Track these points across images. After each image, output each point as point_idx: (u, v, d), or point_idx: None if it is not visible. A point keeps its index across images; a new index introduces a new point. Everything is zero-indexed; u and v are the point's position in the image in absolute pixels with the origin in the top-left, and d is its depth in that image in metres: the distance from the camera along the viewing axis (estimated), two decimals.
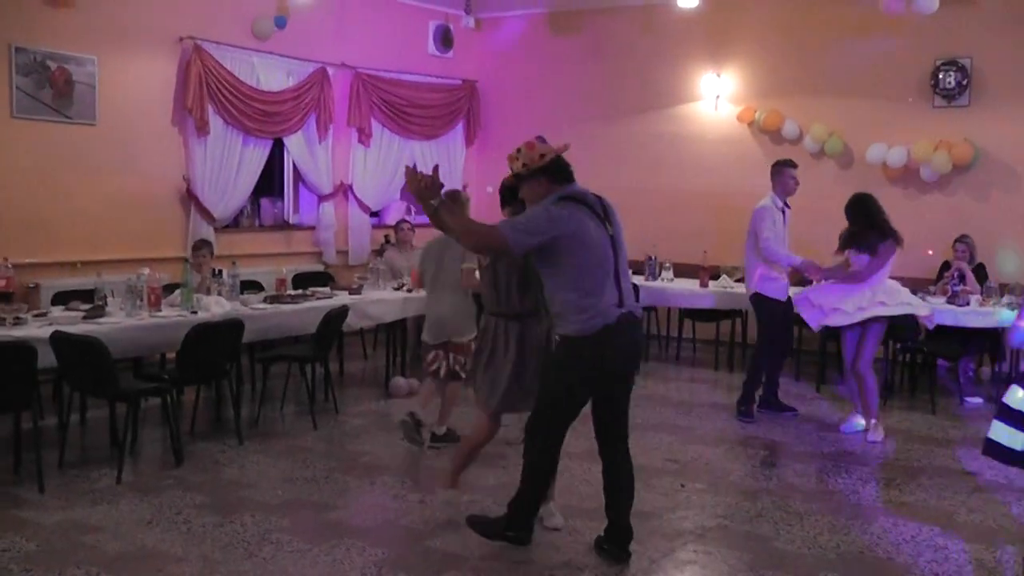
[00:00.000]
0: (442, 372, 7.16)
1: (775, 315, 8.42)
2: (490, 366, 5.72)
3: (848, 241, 8.04)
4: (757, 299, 8.45)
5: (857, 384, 8.04)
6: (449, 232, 5.16)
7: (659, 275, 10.93)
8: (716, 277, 10.61)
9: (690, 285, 10.62)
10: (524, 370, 5.62)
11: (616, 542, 5.33)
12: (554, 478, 5.69)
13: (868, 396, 7.96)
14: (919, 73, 10.78)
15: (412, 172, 4.96)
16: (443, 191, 5.02)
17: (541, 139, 5.41)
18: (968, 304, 8.99)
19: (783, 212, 8.38)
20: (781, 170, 8.38)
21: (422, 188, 4.91)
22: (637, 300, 5.43)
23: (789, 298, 8.45)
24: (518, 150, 5.15)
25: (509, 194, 5.54)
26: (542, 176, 5.10)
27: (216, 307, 7.64)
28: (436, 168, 5.03)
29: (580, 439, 7.52)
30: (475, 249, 5.38)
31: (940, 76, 10.65)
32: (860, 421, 8.12)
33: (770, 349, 8.49)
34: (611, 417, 5.32)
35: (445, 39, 12.86)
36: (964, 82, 10.56)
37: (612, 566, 5.19)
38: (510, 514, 5.35)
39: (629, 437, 5.42)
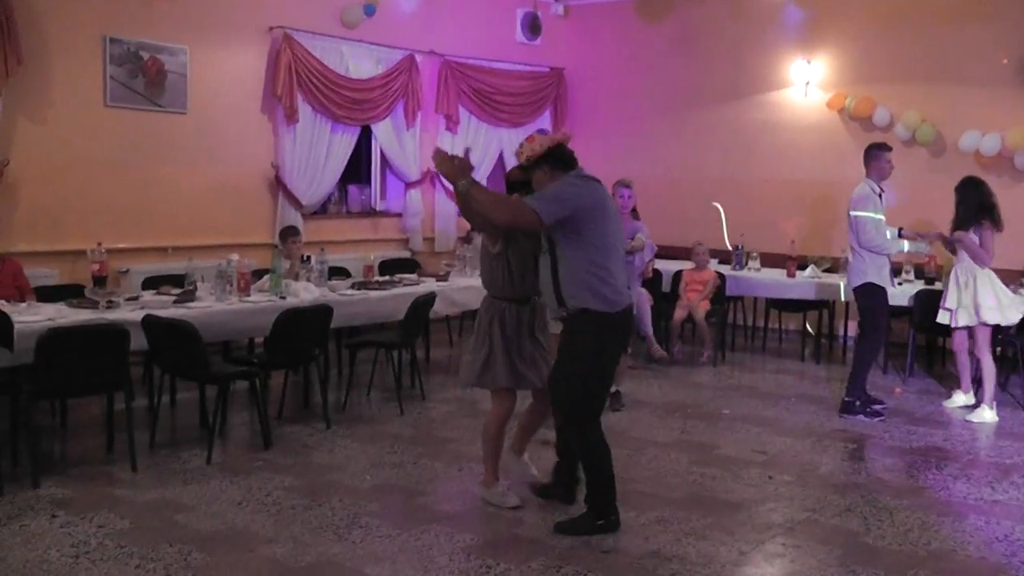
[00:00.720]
0: None
1: (882, 304, 8.23)
2: (487, 347, 5.67)
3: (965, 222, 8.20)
4: (866, 289, 8.15)
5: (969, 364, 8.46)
6: (475, 215, 5.43)
7: (746, 264, 10.81)
8: (803, 267, 10.45)
9: (777, 275, 10.48)
10: (522, 349, 5.65)
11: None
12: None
13: (985, 379, 8.15)
14: (1015, 58, 10.48)
15: (441, 153, 5.31)
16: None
17: (542, 131, 5.75)
18: None
19: (880, 197, 8.14)
20: (877, 154, 8.14)
21: (453, 168, 5.25)
22: None
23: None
24: (521, 145, 5.48)
25: (514, 188, 5.70)
26: (545, 164, 5.38)
27: (304, 293, 7.72)
28: (467, 150, 5.41)
29: (667, 430, 7.54)
30: (508, 224, 5.37)
31: None
32: (961, 397, 8.37)
33: (875, 340, 8.33)
34: None
35: (533, 26, 12.83)
36: None
37: (700, 556, 5.13)
38: (592, 506, 5.41)
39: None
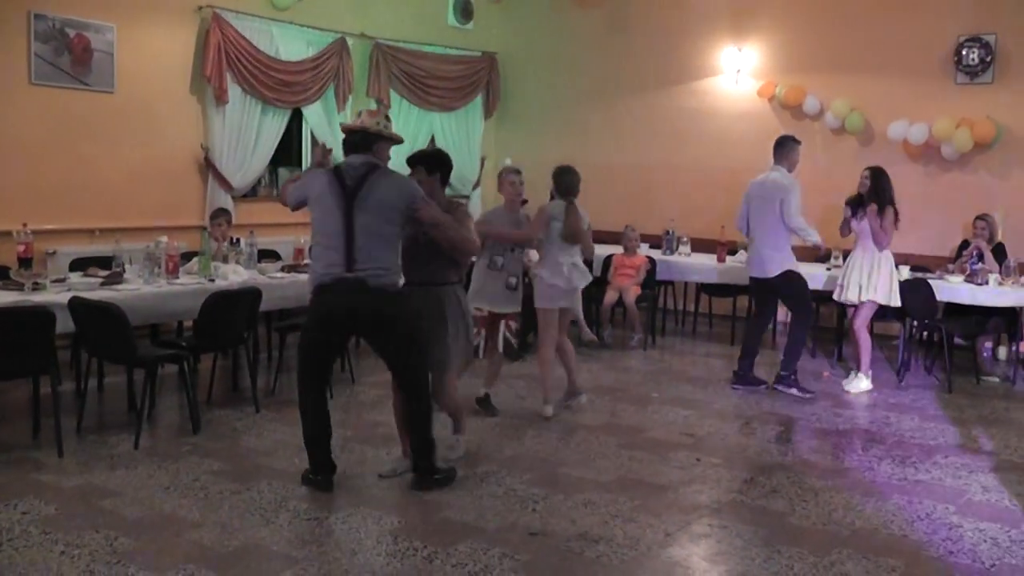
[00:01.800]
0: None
1: (804, 285, 8.67)
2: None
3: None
4: (787, 276, 8.48)
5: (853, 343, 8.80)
6: None
7: (676, 249, 10.92)
8: (734, 252, 10.57)
9: (707, 260, 10.59)
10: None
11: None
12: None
13: (861, 352, 8.65)
14: (942, 49, 10.67)
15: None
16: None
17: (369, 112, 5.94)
18: (987, 283, 8.96)
19: None
20: (793, 146, 8.54)
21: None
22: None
23: None
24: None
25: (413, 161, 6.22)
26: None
27: (234, 275, 7.67)
28: (324, 146, 6.35)
29: (597, 413, 7.59)
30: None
31: (963, 52, 10.54)
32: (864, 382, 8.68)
33: (807, 317, 8.74)
34: (386, 363, 5.84)
35: (465, 10, 12.80)
36: (988, 59, 10.45)
37: (627, 538, 5.19)
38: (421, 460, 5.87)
39: (420, 388, 5.82)
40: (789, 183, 8.38)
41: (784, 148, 8.51)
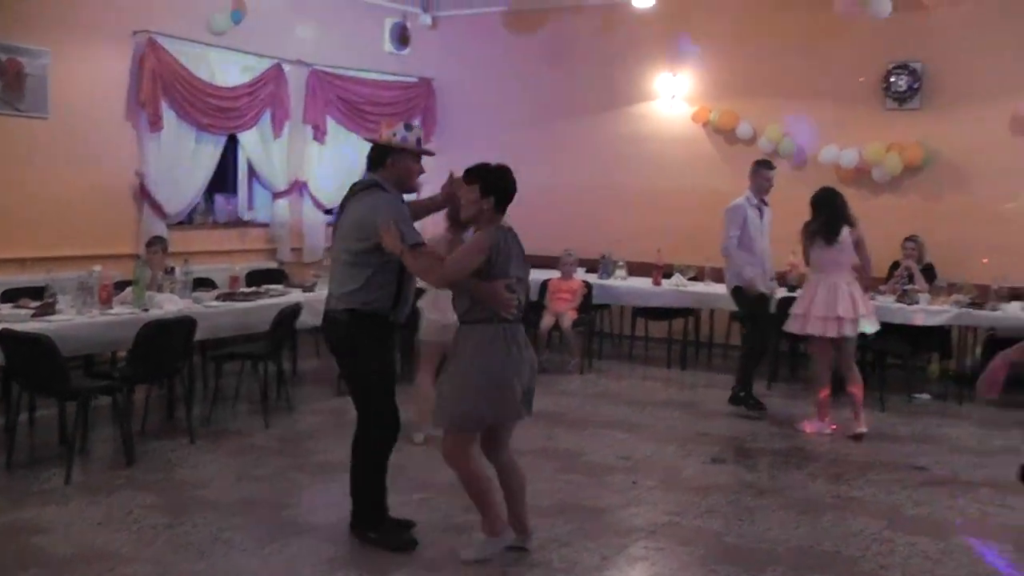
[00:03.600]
0: None
1: (756, 307, 8.73)
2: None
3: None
4: (736, 291, 8.68)
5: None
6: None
7: (613, 273, 10.99)
8: (669, 275, 10.67)
9: (643, 283, 10.68)
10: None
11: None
12: None
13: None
14: (872, 76, 10.90)
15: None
16: None
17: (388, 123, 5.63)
18: (917, 303, 9.15)
19: (759, 210, 8.69)
20: (756, 170, 8.75)
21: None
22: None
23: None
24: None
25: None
26: None
27: (169, 304, 7.59)
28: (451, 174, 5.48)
29: (533, 438, 7.60)
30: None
31: (892, 79, 10.76)
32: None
33: (757, 334, 8.77)
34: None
35: (402, 37, 12.80)
36: (915, 85, 10.67)
37: (563, 562, 5.20)
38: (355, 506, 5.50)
39: (362, 427, 5.43)
40: (730, 206, 8.58)
41: (751, 171, 8.80)
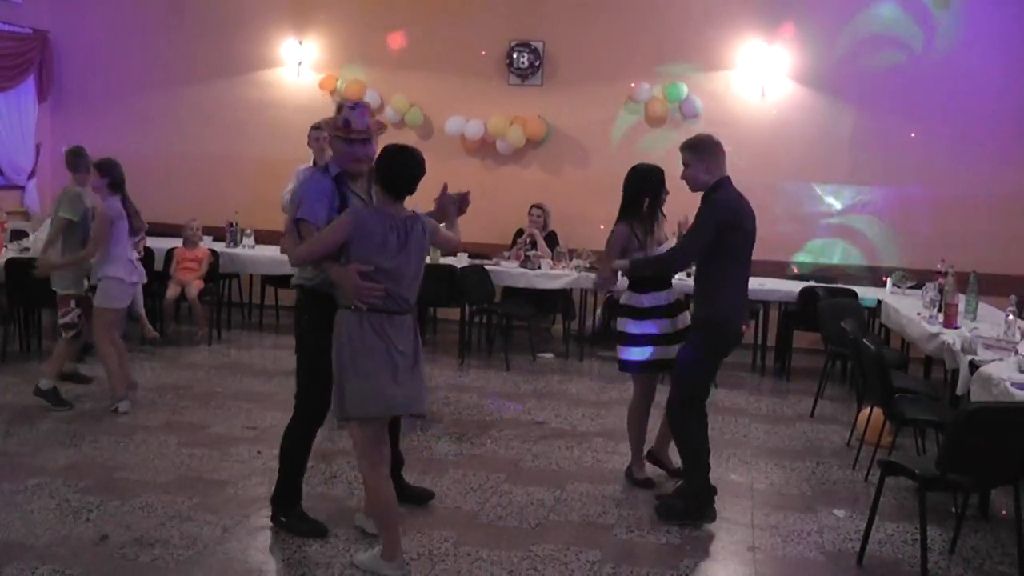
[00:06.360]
0: None
1: None
2: None
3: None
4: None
5: None
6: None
7: (240, 242, 10.69)
8: None
9: (272, 252, 10.43)
10: None
11: None
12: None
13: None
14: (496, 52, 11.23)
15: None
16: None
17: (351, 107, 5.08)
18: (540, 268, 9.54)
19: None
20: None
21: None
22: None
23: None
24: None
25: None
26: None
27: None
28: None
29: (157, 413, 7.23)
30: None
31: (515, 56, 11.16)
32: None
33: None
34: None
35: None
36: (537, 63, 11.13)
37: (184, 538, 4.98)
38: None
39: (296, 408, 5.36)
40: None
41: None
